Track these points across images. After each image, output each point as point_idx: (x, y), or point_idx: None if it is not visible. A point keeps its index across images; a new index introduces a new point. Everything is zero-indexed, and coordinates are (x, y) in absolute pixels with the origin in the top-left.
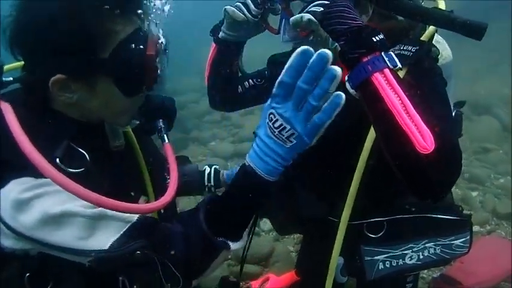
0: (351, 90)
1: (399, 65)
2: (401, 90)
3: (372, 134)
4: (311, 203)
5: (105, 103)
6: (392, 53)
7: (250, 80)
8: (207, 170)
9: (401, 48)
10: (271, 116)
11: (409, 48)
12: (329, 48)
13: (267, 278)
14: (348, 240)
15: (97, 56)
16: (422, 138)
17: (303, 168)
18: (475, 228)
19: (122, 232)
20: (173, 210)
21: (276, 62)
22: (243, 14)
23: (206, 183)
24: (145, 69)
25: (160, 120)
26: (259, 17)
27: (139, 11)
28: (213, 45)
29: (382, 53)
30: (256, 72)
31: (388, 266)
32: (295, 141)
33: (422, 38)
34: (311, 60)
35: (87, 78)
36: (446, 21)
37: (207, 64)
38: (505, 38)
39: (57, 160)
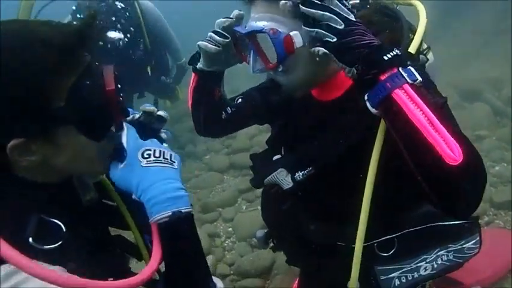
0: (372, 110)
1: (419, 79)
2: (424, 104)
3: (375, 156)
4: (319, 230)
5: (73, 155)
6: (411, 68)
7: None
8: None
9: None
10: (147, 152)
11: None
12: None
13: None
14: (361, 262)
15: (51, 107)
16: (450, 150)
17: (309, 196)
18: None
19: None
20: None
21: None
22: (216, 44)
23: None
24: (109, 106)
25: None
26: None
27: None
28: (193, 74)
29: (400, 69)
30: (235, 97)
31: (404, 280)
32: (176, 161)
33: (410, 50)
34: None
35: (47, 134)
36: None
37: (189, 92)
38: (488, 19)
39: (30, 240)
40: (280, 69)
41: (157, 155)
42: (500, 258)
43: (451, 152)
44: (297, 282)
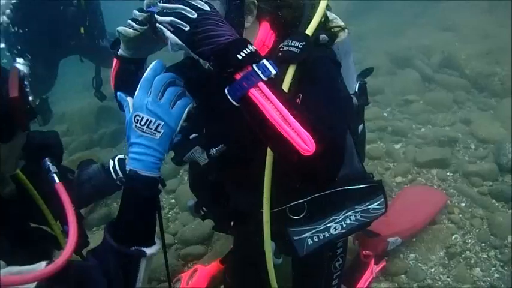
0: (234, 103)
1: (273, 72)
2: (277, 101)
3: None
4: (238, 198)
5: None
6: (265, 61)
7: None
8: (111, 163)
9: (289, 44)
10: (136, 117)
11: (296, 44)
12: None
13: (195, 269)
14: (275, 225)
15: None
16: (303, 142)
17: (226, 167)
18: (398, 179)
19: (34, 286)
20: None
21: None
22: (134, 29)
23: (115, 177)
24: (13, 112)
25: (47, 158)
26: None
27: None
28: (115, 59)
29: (254, 66)
30: None
31: (316, 240)
32: (163, 131)
33: (307, 32)
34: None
35: None
36: None
37: (111, 76)
38: None
39: None
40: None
41: (142, 123)
42: (422, 212)
43: (304, 144)
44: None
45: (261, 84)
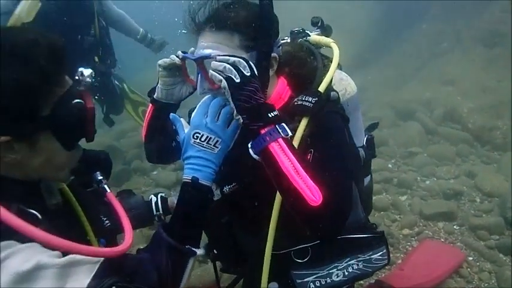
0: (254, 156)
1: (290, 134)
2: (292, 156)
3: None
4: (248, 238)
5: (47, 159)
6: (284, 124)
7: None
8: (154, 199)
9: (303, 99)
10: (196, 134)
11: (309, 99)
12: None
13: None
14: (280, 267)
15: (39, 114)
16: (311, 193)
17: (237, 209)
18: (405, 231)
19: (94, 273)
20: None
21: None
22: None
23: (155, 213)
24: (86, 121)
25: (98, 172)
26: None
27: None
28: (150, 105)
29: (277, 126)
30: None
31: (318, 285)
32: (220, 146)
33: (319, 89)
34: None
35: (30, 136)
36: None
37: (145, 122)
38: (423, 42)
39: None
40: (223, 91)
41: (203, 139)
42: (437, 268)
43: (312, 195)
44: None
45: (280, 140)
